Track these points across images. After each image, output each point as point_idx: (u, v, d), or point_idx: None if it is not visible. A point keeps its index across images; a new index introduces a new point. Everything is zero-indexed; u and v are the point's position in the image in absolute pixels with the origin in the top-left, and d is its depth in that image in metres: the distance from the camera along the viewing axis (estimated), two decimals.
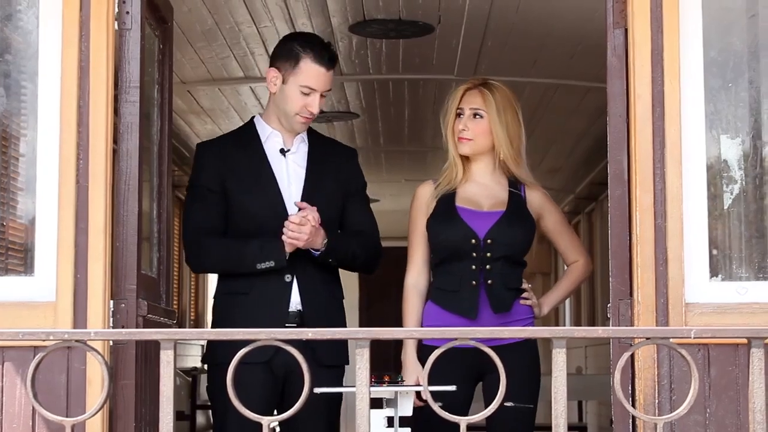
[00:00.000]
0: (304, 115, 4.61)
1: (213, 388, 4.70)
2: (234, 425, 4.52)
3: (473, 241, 4.68)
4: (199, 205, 4.67)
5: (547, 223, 4.88)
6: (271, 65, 4.69)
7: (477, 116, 4.76)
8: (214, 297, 4.83)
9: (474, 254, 4.68)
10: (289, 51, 4.61)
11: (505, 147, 4.75)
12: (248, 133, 4.69)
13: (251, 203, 4.64)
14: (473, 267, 4.68)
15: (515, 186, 4.80)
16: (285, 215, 4.57)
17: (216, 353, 4.65)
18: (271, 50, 5.00)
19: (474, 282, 4.66)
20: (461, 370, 4.60)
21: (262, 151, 4.65)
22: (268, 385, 4.60)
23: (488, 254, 4.68)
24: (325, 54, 4.60)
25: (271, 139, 4.66)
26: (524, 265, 4.81)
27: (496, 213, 4.73)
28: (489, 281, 4.67)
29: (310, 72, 4.57)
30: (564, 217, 5.03)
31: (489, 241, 4.68)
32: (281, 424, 4.53)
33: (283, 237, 4.51)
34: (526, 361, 4.68)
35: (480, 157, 4.80)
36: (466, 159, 4.82)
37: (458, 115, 4.80)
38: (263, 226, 4.60)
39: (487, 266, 4.68)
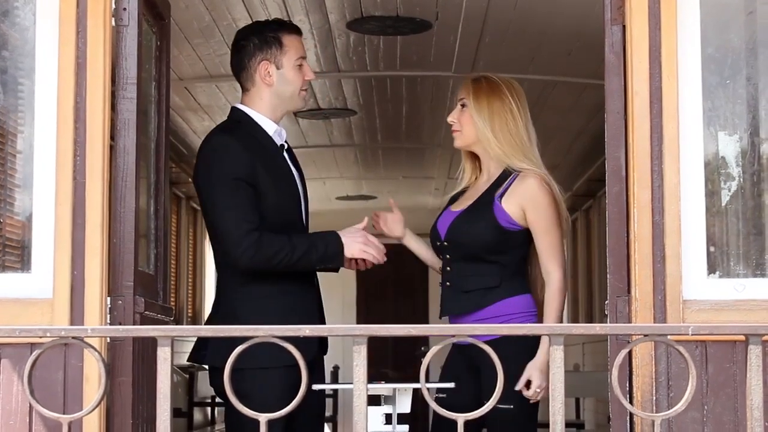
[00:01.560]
0: (305, 88, 4.69)
1: (259, 391, 4.34)
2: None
3: (438, 243, 4.69)
4: (243, 200, 4.46)
5: (528, 219, 4.58)
6: (256, 62, 4.60)
7: (463, 107, 4.76)
8: (234, 302, 4.56)
9: (441, 256, 4.71)
10: (266, 40, 4.62)
11: (486, 135, 4.63)
12: (255, 128, 4.62)
13: (282, 200, 4.57)
14: (440, 268, 4.72)
15: (505, 177, 4.65)
16: (301, 210, 4.63)
17: (257, 358, 4.15)
18: None
19: (440, 283, 4.70)
20: (464, 365, 4.59)
21: (276, 147, 4.64)
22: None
23: (447, 255, 4.66)
24: (289, 23, 4.75)
25: (276, 134, 4.65)
26: (499, 263, 4.55)
27: (457, 212, 4.68)
28: (447, 283, 4.65)
29: (293, 44, 4.65)
30: (550, 217, 4.58)
31: (446, 243, 4.65)
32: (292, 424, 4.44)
33: (363, 252, 4.52)
34: (505, 359, 4.46)
35: (482, 152, 4.73)
36: (476, 157, 4.78)
37: None
38: (290, 223, 4.58)
39: (448, 268, 4.65)
